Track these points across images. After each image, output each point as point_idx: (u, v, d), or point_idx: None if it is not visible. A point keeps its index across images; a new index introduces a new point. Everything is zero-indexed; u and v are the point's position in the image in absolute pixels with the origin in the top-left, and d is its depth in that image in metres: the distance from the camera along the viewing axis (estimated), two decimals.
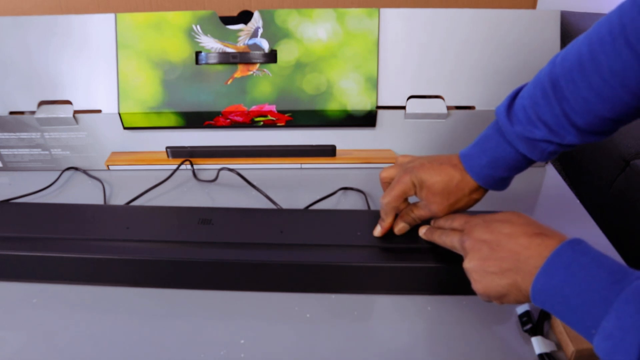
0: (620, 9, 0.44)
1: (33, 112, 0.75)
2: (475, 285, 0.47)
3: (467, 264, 0.48)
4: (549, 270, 0.41)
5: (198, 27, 0.73)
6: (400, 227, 0.58)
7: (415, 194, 0.56)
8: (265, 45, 0.74)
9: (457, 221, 0.53)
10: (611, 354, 0.36)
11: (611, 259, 0.40)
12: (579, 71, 0.46)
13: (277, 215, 0.64)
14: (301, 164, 0.81)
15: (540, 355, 0.50)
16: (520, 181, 0.57)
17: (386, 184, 0.59)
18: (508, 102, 0.52)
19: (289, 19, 0.73)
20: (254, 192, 0.74)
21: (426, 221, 0.58)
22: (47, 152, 0.79)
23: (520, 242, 0.44)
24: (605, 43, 0.44)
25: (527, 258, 0.43)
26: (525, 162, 0.53)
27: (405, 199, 0.58)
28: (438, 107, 0.74)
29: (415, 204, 0.58)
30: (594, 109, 0.46)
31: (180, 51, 0.73)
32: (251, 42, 0.74)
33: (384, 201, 0.56)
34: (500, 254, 0.45)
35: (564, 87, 0.47)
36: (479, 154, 0.54)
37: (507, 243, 0.45)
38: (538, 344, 0.51)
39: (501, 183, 0.55)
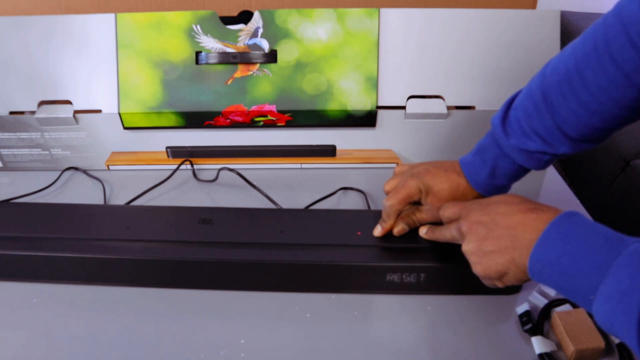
0: (604, 23, 0.44)
1: (33, 112, 0.75)
2: (475, 268, 0.47)
3: (465, 247, 0.47)
4: (546, 242, 0.41)
5: (198, 27, 0.73)
6: (400, 229, 0.58)
7: (420, 199, 0.56)
8: (265, 45, 0.74)
9: (454, 208, 0.52)
10: (610, 316, 0.36)
11: (607, 228, 0.40)
12: (567, 85, 0.47)
13: (277, 215, 0.64)
14: (301, 164, 0.81)
15: (540, 355, 0.50)
16: (520, 181, 0.57)
17: None
18: (503, 113, 0.53)
19: (289, 19, 0.73)
20: (254, 192, 0.74)
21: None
22: (47, 152, 0.79)
23: (515, 219, 0.44)
24: (591, 59, 0.45)
25: (522, 233, 0.43)
26: (523, 171, 0.55)
27: (409, 203, 0.58)
28: (438, 107, 0.74)
29: (417, 208, 0.58)
30: (584, 121, 0.47)
31: (180, 51, 0.73)
32: (251, 42, 0.74)
33: (387, 203, 0.57)
34: (496, 232, 0.45)
35: (554, 101, 0.48)
36: (479, 164, 0.55)
37: (503, 221, 0.45)
38: (538, 344, 0.51)
39: (501, 190, 0.56)
